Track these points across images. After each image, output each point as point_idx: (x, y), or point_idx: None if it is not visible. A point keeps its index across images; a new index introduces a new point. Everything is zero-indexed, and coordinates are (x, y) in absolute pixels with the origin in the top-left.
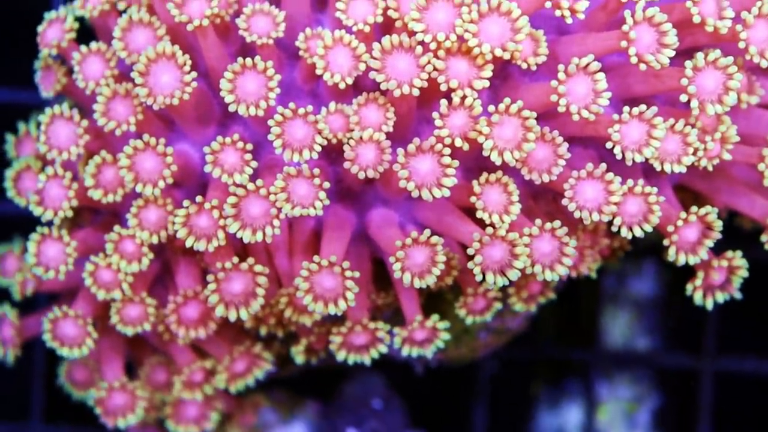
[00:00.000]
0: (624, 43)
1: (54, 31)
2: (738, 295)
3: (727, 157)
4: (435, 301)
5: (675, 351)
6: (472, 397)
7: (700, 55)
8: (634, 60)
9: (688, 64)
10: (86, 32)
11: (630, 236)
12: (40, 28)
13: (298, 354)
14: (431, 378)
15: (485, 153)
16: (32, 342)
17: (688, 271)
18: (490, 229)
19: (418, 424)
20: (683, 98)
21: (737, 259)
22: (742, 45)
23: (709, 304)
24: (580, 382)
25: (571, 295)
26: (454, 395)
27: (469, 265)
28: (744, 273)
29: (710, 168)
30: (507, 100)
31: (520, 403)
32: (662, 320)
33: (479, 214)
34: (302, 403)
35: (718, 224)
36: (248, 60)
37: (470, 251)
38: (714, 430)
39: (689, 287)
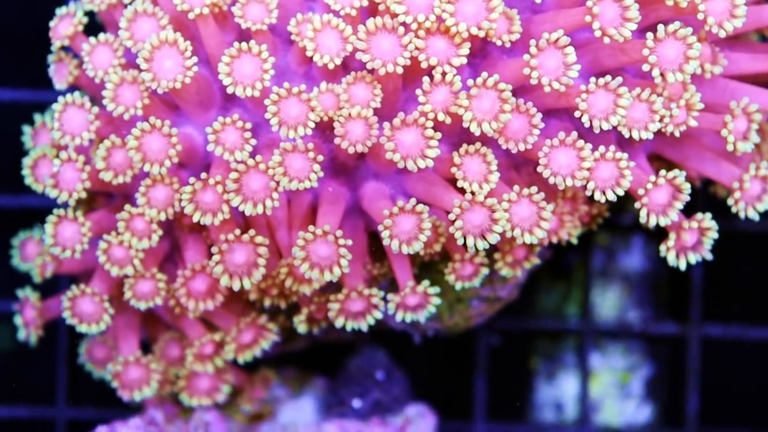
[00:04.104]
0: (588, 18)
1: (65, 25)
2: (709, 256)
3: (693, 123)
4: (428, 272)
5: (664, 320)
6: (473, 369)
7: (660, 27)
8: (598, 33)
9: (650, 35)
10: (94, 28)
11: (604, 200)
12: (52, 23)
13: (300, 323)
14: (432, 351)
15: (465, 124)
16: (56, 326)
17: None
18: (469, 196)
19: (421, 396)
20: (645, 68)
21: (707, 221)
22: (701, 17)
23: (683, 265)
24: (575, 354)
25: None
26: (455, 368)
27: (450, 229)
28: (714, 234)
29: (677, 134)
30: (484, 74)
31: (519, 375)
32: (651, 293)
33: (460, 183)
34: (310, 379)
35: (687, 187)
36: (244, 44)
37: (451, 216)
38: (701, 395)
39: (662, 248)
